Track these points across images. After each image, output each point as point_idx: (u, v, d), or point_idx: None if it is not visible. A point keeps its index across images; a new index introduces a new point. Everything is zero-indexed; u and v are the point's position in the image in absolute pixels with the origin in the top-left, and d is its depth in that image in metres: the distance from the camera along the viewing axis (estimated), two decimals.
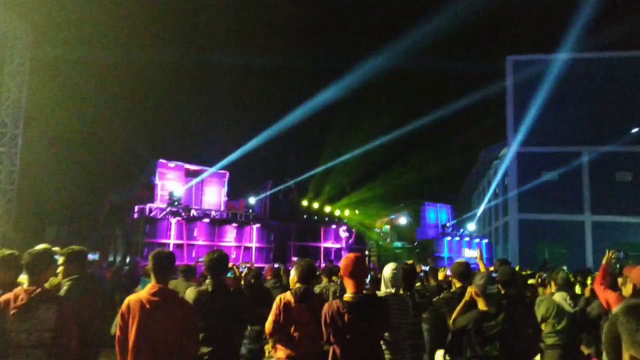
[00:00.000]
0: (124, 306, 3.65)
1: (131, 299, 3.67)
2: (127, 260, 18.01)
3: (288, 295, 4.27)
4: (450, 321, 3.99)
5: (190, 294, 4.32)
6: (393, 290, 4.54)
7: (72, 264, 4.27)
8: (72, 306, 3.73)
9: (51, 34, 26.13)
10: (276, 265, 12.81)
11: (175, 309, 3.70)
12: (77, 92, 29.34)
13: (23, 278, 4.38)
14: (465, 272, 5.13)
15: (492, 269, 7.33)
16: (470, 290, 3.92)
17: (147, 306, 3.58)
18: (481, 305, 3.79)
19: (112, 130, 31.75)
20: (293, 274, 4.59)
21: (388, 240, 27.62)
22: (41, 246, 3.82)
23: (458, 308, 4.00)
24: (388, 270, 4.65)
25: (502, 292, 5.47)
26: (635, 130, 26.58)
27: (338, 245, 24.27)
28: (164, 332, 3.58)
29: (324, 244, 23.63)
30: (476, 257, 6.49)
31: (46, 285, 3.76)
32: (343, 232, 24.95)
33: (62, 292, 4.06)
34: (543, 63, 27.69)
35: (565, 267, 13.51)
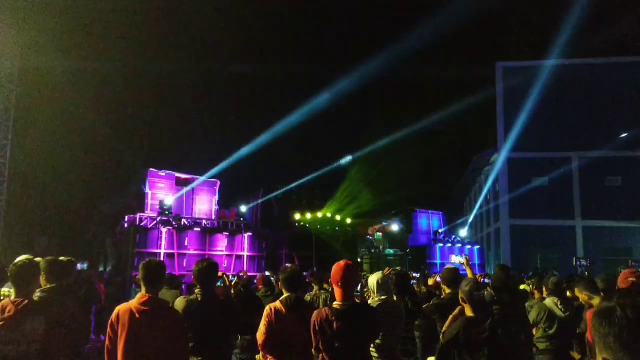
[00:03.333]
0: (113, 316, 3.65)
1: (121, 308, 3.67)
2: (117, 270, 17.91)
3: (278, 305, 4.22)
4: (441, 336, 3.97)
5: (179, 303, 4.29)
6: (384, 297, 4.53)
7: (47, 276, 4.27)
8: (60, 317, 3.71)
9: (41, 43, 25.98)
10: (267, 274, 12.76)
11: (165, 319, 3.70)
12: (67, 101, 29.17)
13: (6, 290, 4.35)
14: (455, 278, 5.15)
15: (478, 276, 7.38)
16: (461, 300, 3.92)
17: (137, 315, 3.58)
18: (468, 311, 3.78)
19: (102, 139, 31.57)
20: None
21: (380, 247, 27.59)
22: (23, 257, 3.79)
23: (448, 322, 3.99)
24: (375, 278, 4.65)
25: (495, 297, 5.48)
26: (624, 135, 26.81)
27: (330, 253, 24.26)
28: (153, 341, 3.57)
29: (317, 253, 23.63)
30: (463, 263, 6.51)
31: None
32: (335, 240, 24.97)
33: None
34: (533, 69, 27.94)
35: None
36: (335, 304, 3.69)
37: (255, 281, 10.31)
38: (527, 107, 27.17)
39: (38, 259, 4.09)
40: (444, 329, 3.98)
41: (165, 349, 3.61)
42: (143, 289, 3.72)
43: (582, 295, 4.67)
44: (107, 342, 3.63)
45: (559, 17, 25.38)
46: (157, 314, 3.65)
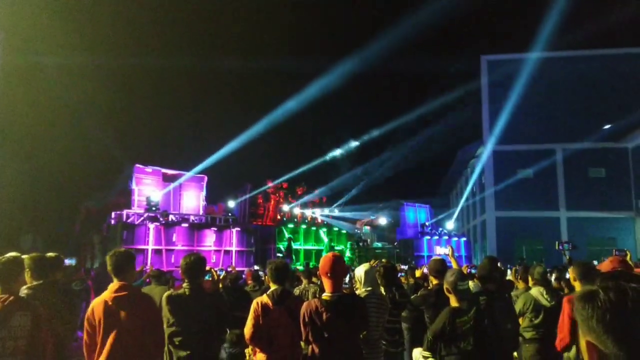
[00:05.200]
0: (89, 311, 3.70)
1: (94, 302, 3.74)
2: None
3: (265, 298, 4.23)
4: (429, 331, 4.00)
5: (167, 296, 4.28)
6: (370, 289, 4.56)
7: (33, 272, 4.25)
8: (46, 313, 3.70)
9: (24, 39, 25.64)
10: (256, 268, 12.77)
11: (138, 303, 3.77)
12: (51, 97, 28.84)
13: None
14: (441, 269, 5.19)
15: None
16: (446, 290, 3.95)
17: (110, 304, 3.65)
18: (453, 301, 3.83)
19: (87, 135, 31.29)
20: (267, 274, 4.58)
21: (368, 240, 27.69)
22: (11, 254, 3.77)
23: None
24: (362, 269, 4.68)
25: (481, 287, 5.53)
26: (607, 127, 27.15)
27: (319, 247, 24.31)
28: (130, 327, 3.63)
29: (305, 246, 23.64)
30: (448, 254, 6.57)
31: None
32: (323, 234, 25.01)
33: None
34: (517, 62, 28.14)
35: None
36: (325, 295, 3.71)
37: (244, 276, 10.32)
38: (512, 99, 27.40)
39: (24, 256, 4.07)
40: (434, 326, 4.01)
41: (143, 334, 3.67)
42: (115, 279, 3.76)
43: (571, 276, 4.75)
44: (85, 337, 3.67)
45: (543, 9, 25.57)
46: (131, 300, 3.71)
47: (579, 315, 1.27)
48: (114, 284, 3.73)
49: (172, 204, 20.44)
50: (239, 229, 20.24)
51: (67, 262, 15.49)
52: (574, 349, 4.49)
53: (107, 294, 3.68)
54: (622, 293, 1.21)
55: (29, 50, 26.01)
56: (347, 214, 30.81)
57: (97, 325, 3.59)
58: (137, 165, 19.92)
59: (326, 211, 28.07)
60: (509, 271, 10.31)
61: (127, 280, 3.83)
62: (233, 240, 19.82)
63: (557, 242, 11.63)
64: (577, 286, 4.50)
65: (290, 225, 23.80)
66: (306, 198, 27.83)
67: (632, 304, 1.18)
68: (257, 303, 4.20)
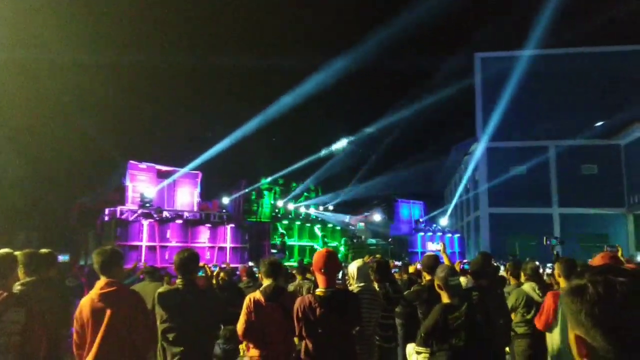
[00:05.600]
0: (77, 311, 3.67)
1: (82, 301, 3.72)
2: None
3: (257, 294, 4.24)
4: (422, 327, 4.01)
5: (160, 292, 4.28)
6: (363, 284, 4.58)
7: (26, 268, 4.24)
8: (40, 310, 3.70)
9: (16, 34, 25.46)
10: (250, 265, 12.78)
11: (126, 300, 3.76)
12: (45, 94, 28.68)
13: None
14: (434, 264, 5.22)
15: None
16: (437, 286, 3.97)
17: (97, 301, 3.63)
18: (444, 297, 3.84)
19: (81, 132, 31.13)
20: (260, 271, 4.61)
21: (363, 237, 27.76)
22: (4, 250, 3.76)
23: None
24: (355, 265, 4.70)
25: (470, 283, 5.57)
26: (600, 124, 27.28)
27: (313, 243, 24.35)
28: (117, 323, 3.62)
29: (299, 243, 23.69)
30: (440, 250, 6.61)
31: None
32: (317, 230, 25.06)
33: None
34: (510, 59, 28.20)
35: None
36: (318, 291, 3.73)
37: (238, 272, 10.32)
38: (505, 97, 27.46)
39: (17, 253, 4.06)
40: (426, 322, 4.03)
41: (132, 331, 3.67)
42: (102, 277, 3.75)
43: (556, 272, 4.81)
44: (74, 336, 3.66)
45: (536, 7, 25.62)
46: (120, 297, 3.71)
47: (567, 309, 1.26)
48: (101, 281, 3.71)
49: (166, 200, 20.39)
50: (233, 225, 20.22)
51: (61, 258, 15.46)
52: (558, 342, 4.55)
53: (94, 292, 3.66)
54: (611, 287, 1.19)
55: (24, 46, 25.84)
56: (342, 211, 30.85)
57: (86, 323, 3.58)
58: (131, 161, 19.85)
59: (321, 208, 28.08)
60: (502, 267, 10.39)
61: (115, 277, 3.81)
62: (227, 237, 19.79)
63: (545, 238, 11.74)
64: (562, 282, 4.56)
65: (285, 222, 23.82)
66: (298, 190, 27.87)
67: (621, 298, 1.17)
68: (250, 299, 4.22)
